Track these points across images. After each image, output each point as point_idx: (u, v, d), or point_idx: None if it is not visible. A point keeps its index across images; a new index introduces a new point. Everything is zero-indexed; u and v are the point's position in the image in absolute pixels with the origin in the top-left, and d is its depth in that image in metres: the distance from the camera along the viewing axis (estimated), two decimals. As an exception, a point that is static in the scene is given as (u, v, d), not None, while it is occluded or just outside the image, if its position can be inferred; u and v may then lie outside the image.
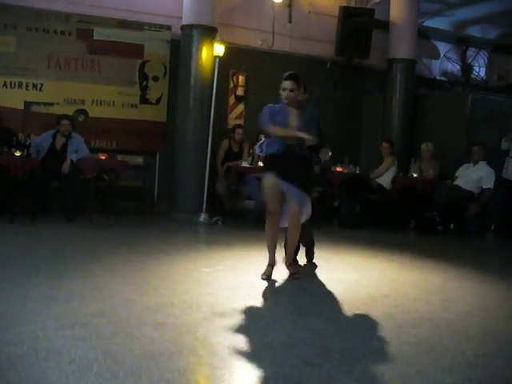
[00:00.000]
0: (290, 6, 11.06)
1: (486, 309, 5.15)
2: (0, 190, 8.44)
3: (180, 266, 6.04)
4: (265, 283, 5.50)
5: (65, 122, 8.94)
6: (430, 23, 12.33)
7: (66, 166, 8.67)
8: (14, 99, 9.37)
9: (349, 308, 4.84)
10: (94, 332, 3.81)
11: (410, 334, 4.21)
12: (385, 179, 10.00)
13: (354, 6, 11.23)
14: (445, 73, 12.99)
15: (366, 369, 3.47)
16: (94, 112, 9.87)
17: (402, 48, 11.20)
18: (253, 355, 3.60)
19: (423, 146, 10.20)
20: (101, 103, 9.92)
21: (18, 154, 8.22)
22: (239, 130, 10.05)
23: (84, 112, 9.80)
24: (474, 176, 9.57)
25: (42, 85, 9.52)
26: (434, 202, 9.51)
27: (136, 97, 10.14)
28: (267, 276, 5.61)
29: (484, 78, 13.35)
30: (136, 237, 7.83)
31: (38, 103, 9.53)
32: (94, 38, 9.79)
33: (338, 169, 9.85)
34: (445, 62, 12.96)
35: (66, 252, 6.45)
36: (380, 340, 4.01)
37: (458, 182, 9.67)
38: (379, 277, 6.17)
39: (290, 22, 11.10)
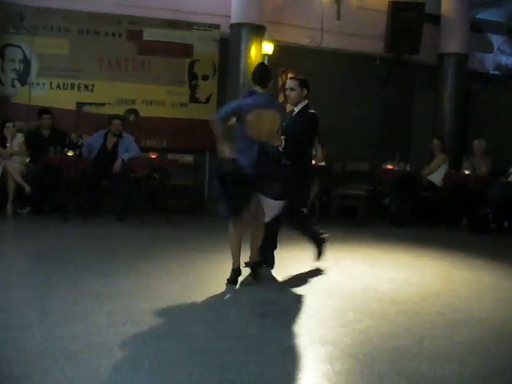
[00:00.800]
0: (338, 2, 10.96)
1: (542, 309, 5.03)
2: (53, 189, 8.63)
3: (230, 264, 6.03)
4: (316, 282, 5.49)
5: (116, 121, 9.08)
6: (483, 15, 12.05)
7: (117, 166, 8.80)
8: (67, 100, 9.55)
9: (399, 307, 4.78)
10: (146, 329, 3.86)
11: (462, 334, 4.14)
12: (436, 176, 9.85)
13: (403, 0, 11.07)
14: (498, 66, 12.69)
15: (417, 368, 3.43)
16: (145, 111, 9.98)
17: (453, 42, 11.00)
18: (302, 352, 3.59)
19: (476, 142, 9.99)
20: (151, 103, 10.02)
21: (70, 153, 8.38)
22: None
23: (134, 112, 9.93)
24: (529, 172, 9.36)
25: (93, 86, 9.67)
26: (487, 199, 9.32)
27: (186, 96, 10.22)
28: (231, 281, 5.24)
29: (540, 70, 13.00)
30: (186, 235, 7.89)
31: (90, 104, 9.69)
32: (144, 38, 9.89)
33: (389, 166, 9.73)
34: (498, 55, 12.67)
35: (117, 250, 6.55)
36: (432, 339, 3.96)
37: (512, 178, 9.47)
38: (430, 275, 6.08)
39: (338, 18, 10.99)
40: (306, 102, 5.85)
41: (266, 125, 5.20)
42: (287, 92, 5.82)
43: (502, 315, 4.71)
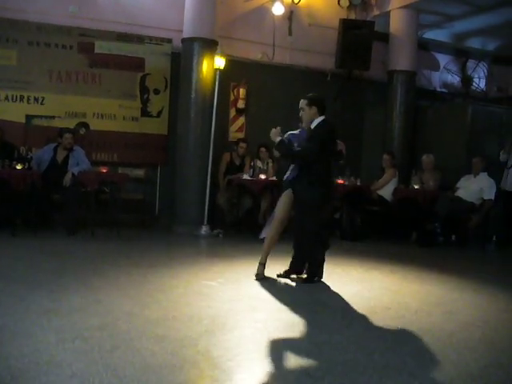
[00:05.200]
0: (290, 18, 11.08)
1: (487, 320, 5.14)
2: (1, 202, 8.46)
3: (182, 278, 6.03)
4: (266, 296, 5.50)
5: (67, 135, 8.96)
6: (429, 35, 12.34)
7: (67, 179, 8.68)
8: (16, 113, 9.39)
9: (350, 320, 4.83)
10: (95, 345, 3.80)
11: (411, 346, 4.21)
12: (386, 191, 10.00)
13: (354, 18, 11.27)
14: (445, 84, 12.99)
15: (368, 381, 3.46)
16: (95, 125, 9.88)
17: (402, 60, 11.24)
18: (254, 368, 3.59)
19: (424, 157, 10.20)
20: (102, 116, 9.93)
21: (19, 167, 8.23)
22: (243, 144, 9.98)
23: (85, 125, 9.82)
24: (474, 187, 9.58)
25: (43, 98, 9.54)
26: (435, 213, 9.49)
27: (137, 110, 10.15)
28: (260, 275, 6.13)
29: (484, 89, 13.35)
30: (137, 250, 7.81)
31: (40, 116, 9.54)
32: (95, 51, 9.81)
33: (339, 181, 9.82)
34: (445, 74, 12.97)
35: (67, 265, 6.45)
36: (382, 352, 4.00)
37: (459, 193, 9.67)
38: (380, 288, 6.16)
39: (290, 34, 11.13)
40: (323, 117, 6.07)
41: None
42: (300, 113, 6.13)
43: (449, 327, 4.79)
